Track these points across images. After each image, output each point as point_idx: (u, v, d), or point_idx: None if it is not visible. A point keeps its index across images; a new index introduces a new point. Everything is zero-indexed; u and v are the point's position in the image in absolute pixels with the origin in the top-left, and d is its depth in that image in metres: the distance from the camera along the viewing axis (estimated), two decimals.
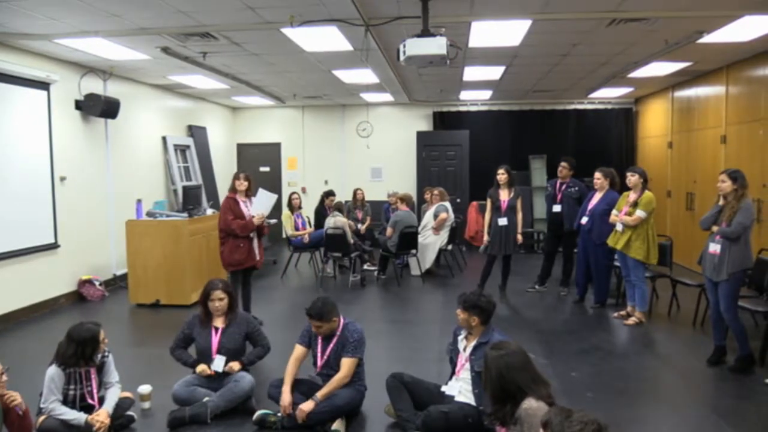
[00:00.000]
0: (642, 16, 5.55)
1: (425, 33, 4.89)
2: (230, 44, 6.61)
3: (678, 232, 9.18)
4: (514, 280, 7.70)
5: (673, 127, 10.09)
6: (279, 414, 3.74)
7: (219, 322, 4.23)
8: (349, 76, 8.84)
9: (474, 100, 11.99)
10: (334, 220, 8.40)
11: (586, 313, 6.68)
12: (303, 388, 3.86)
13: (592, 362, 4.99)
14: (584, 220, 6.61)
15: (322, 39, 6.36)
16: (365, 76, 8.78)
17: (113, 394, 3.73)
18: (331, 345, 3.90)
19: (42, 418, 3.46)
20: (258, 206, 5.98)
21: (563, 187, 7.28)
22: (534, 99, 11.64)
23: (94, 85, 7.84)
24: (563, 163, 7.34)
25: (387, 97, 11.34)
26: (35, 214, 6.80)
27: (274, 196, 6.12)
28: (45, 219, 6.96)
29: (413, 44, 4.83)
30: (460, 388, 3.58)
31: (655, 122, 11.07)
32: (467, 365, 3.56)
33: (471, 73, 8.65)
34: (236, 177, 6.06)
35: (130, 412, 3.85)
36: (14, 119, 6.46)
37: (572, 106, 12.07)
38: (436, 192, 9.17)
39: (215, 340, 4.16)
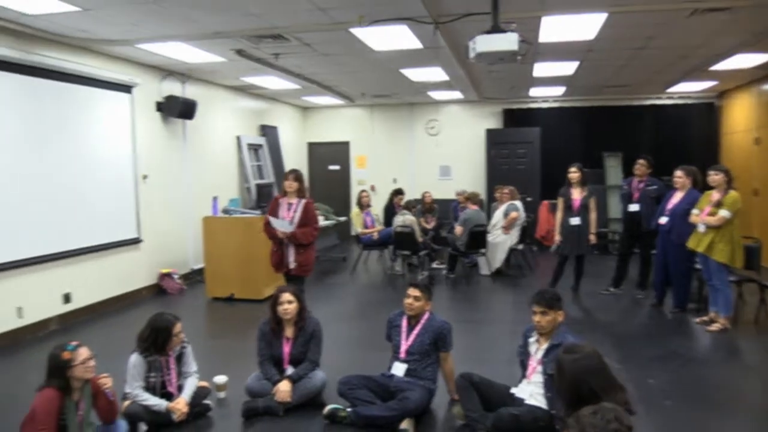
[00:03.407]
0: (725, 6, 5.25)
1: (495, 29, 4.80)
2: (301, 45, 6.74)
3: (767, 233, 8.64)
4: (588, 281, 7.47)
5: (760, 121, 9.50)
6: (349, 409, 3.79)
7: (289, 332, 4.21)
8: (417, 74, 8.84)
9: (545, 96, 11.71)
10: (403, 218, 8.42)
11: (665, 317, 6.39)
12: (372, 385, 3.90)
13: (671, 369, 4.77)
14: (663, 220, 6.32)
15: (391, 38, 6.39)
16: (434, 74, 8.74)
17: (191, 384, 3.90)
18: (416, 331, 3.98)
19: (126, 403, 3.66)
20: (274, 224, 5.54)
21: (641, 185, 6.99)
22: (608, 95, 11.25)
23: (172, 88, 8.20)
24: (641, 161, 7.05)
25: (456, 94, 11.26)
26: (120, 210, 7.20)
27: (286, 223, 5.53)
28: (129, 215, 7.36)
29: (483, 41, 4.76)
30: (531, 391, 3.51)
31: (740, 117, 10.46)
32: (539, 368, 3.48)
33: (542, 69, 8.46)
34: (285, 177, 5.73)
35: (206, 401, 4.01)
36: (101, 121, 6.87)
37: (649, 101, 11.58)
38: (506, 190, 9.02)
39: (286, 350, 4.18)
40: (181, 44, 6.56)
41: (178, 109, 7.99)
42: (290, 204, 5.60)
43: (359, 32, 6.06)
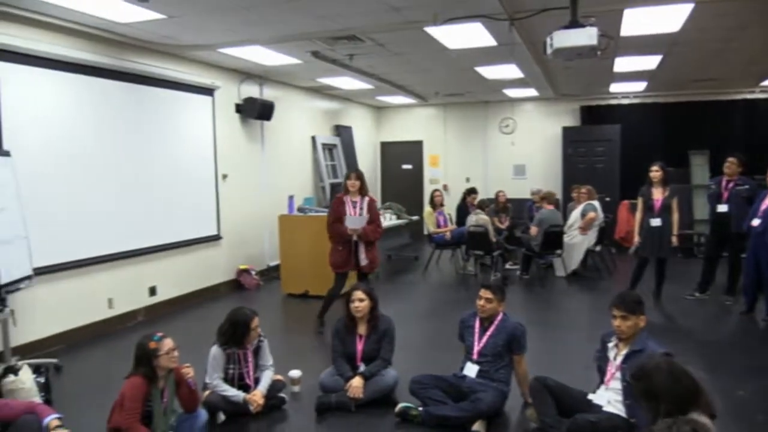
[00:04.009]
0: None
1: (574, 24, 4.66)
2: (375, 45, 6.80)
3: None
4: (670, 286, 7.11)
5: None
6: (420, 408, 3.79)
7: (362, 329, 4.25)
8: (492, 72, 8.72)
9: (626, 92, 11.26)
10: (476, 218, 8.33)
11: (756, 326, 6.01)
12: (444, 385, 3.88)
13: (764, 381, 4.48)
14: (756, 221, 5.94)
15: (465, 35, 6.33)
16: (509, 71, 8.60)
17: (267, 377, 4.02)
18: (489, 332, 3.94)
19: (207, 392, 3.83)
20: (349, 223, 5.69)
21: (731, 185, 6.60)
22: (694, 89, 10.66)
23: (251, 90, 8.48)
24: (731, 159, 6.65)
25: (531, 92, 11.02)
26: (201, 208, 7.52)
27: (364, 219, 5.73)
28: (209, 213, 7.67)
29: (561, 36, 4.63)
30: (609, 398, 3.39)
31: None
32: (618, 374, 3.35)
33: (623, 63, 8.14)
34: (347, 176, 5.88)
35: (281, 394, 4.12)
36: (185, 123, 7.20)
37: (740, 96, 10.89)
38: (583, 190, 8.76)
39: (359, 347, 4.22)
40: (260, 48, 6.77)
41: (256, 111, 8.26)
42: (354, 202, 5.75)
43: (433, 31, 6.04)
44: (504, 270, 8.66)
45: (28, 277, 4.78)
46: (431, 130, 13.13)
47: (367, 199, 5.83)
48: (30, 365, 4.16)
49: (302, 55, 7.20)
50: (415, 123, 13.26)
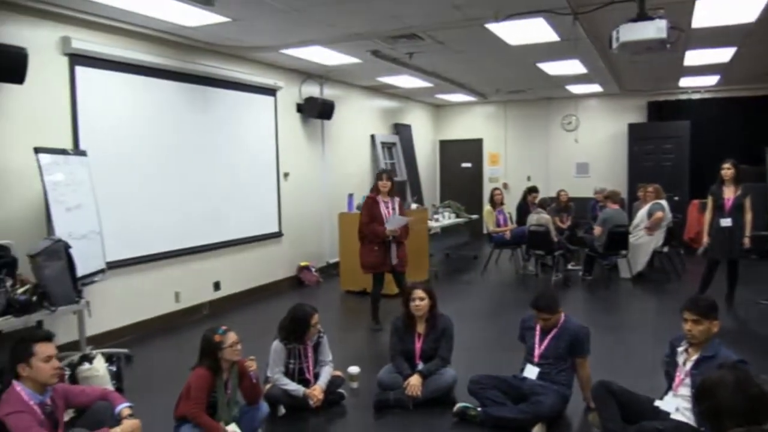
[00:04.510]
0: None
1: (642, 16, 4.50)
2: (435, 43, 6.77)
3: None
4: (743, 290, 6.76)
5: None
6: (479, 408, 3.76)
7: (421, 328, 4.23)
8: (554, 68, 8.53)
9: (696, 87, 10.77)
10: (537, 217, 8.18)
11: None
12: (503, 386, 3.83)
13: None
14: None
15: (527, 31, 6.22)
16: (572, 66, 8.39)
17: (326, 372, 4.08)
18: (551, 334, 3.86)
19: (268, 386, 3.92)
20: (391, 224, 5.77)
21: None
22: None
23: (312, 90, 8.61)
24: None
25: (595, 87, 10.71)
26: (264, 206, 7.70)
27: (406, 219, 5.92)
28: (271, 211, 7.85)
29: (628, 30, 4.48)
30: (678, 405, 3.25)
31: None
32: (687, 381, 3.21)
33: (694, 56, 7.80)
34: (379, 177, 5.94)
35: (340, 390, 4.17)
36: (249, 123, 7.39)
37: None
38: (650, 189, 8.45)
39: (418, 346, 4.21)
40: (321, 48, 6.86)
41: (317, 110, 8.39)
42: (386, 202, 5.83)
43: (494, 27, 5.97)
44: (565, 271, 8.46)
45: (102, 271, 5.03)
46: (491, 128, 12.98)
47: (397, 199, 5.96)
48: (103, 354, 4.37)
49: (362, 54, 7.26)
50: (474, 121, 13.14)
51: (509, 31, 6.18)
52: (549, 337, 3.88)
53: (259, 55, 7.23)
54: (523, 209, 9.23)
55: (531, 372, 3.87)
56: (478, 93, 11.18)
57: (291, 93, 8.23)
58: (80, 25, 5.26)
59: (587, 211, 9.70)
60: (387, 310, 6.04)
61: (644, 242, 8.10)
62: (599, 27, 5.88)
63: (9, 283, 3.81)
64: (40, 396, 2.74)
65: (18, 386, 2.70)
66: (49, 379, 2.77)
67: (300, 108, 8.41)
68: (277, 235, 7.95)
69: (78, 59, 5.25)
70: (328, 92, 8.96)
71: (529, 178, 12.11)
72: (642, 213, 8.28)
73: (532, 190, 9.49)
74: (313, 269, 8.42)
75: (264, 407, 3.64)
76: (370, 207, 5.85)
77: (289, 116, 8.22)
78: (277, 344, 3.99)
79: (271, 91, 7.74)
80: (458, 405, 3.85)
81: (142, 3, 5.00)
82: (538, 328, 3.95)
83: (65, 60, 5.18)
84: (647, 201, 8.38)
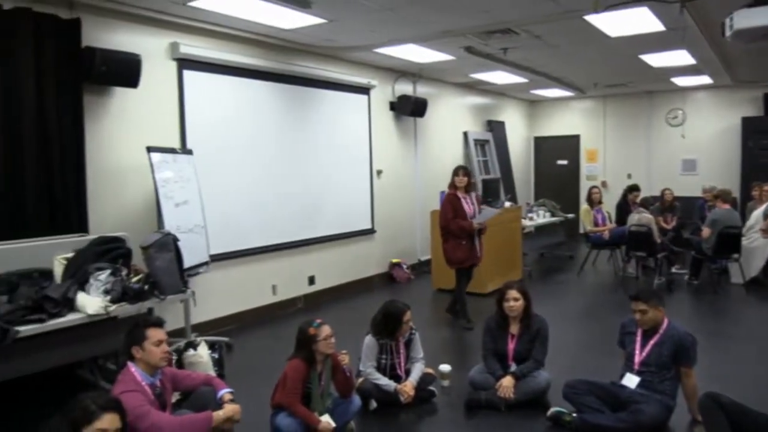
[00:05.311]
0: None
1: (759, 1, 4.18)
2: (530, 38, 6.61)
3: None
4: None
5: None
6: (574, 414, 3.63)
7: (515, 329, 4.15)
8: (658, 59, 8.08)
9: None
10: (639, 217, 7.78)
11: None
12: (600, 393, 3.68)
13: None
14: None
15: (629, 22, 5.94)
16: (678, 57, 7.92)
17: (418, 369, 4.09)
18: (653, 341, 3.66)
19: (360, 380, 3.98)
20: (481, 217, 5.92)
21: None
22: None
23: (405, 88, 8.66)
24: None
25: (704, 79, 10.04)
26: (357, 203, 7.85)
27: (497, 211, 6.13)
28: (364, 208, 7.99)
29: (743, 16, 4.19)
30: None
31: None
32: None
33: None
34: (455, 173, 5.97)
35: (431, 387, 4.16)
36: (343, 122, 7.56)
37: None
38: (766, 188, 7.82)
39: (511, 347, 4.12)
40: (414, 46, 6.89)
41: (409, 108, 8.43)
42: (464, 198, 5.91)
43: (593, 19, 5.74)
44: (669, 274, 8.01)
45: (206, 263, 5.32)
46: (589, 124, 12.51)
47: (473, 194, 6.10)
48: (206, 342, 4.62)
49: (455, 51, 7.21)
50: (571, 116, 12.72)
51: (609, 22, 5.92)
52: (651, 343, 3.67)
53: (353, 55, 7.36)
54: (624, 208, 8.81)
55: (631, 380, 3.69)
56: (576, 88, 10.79)
57: (384, 91, 8.32)
58: (187, 31, 5.59)
59: (694, 211, 9.11)
60: (477, 309, 5.98)
61: (759, 245, 7.49)
62: (710, 14, 5.51)
63: (124, 272, 4.10)
64: (151, 377, 2.94)
65: (132, 367, 2.91)
66: (159, 362, 2.96)
67: (393, 106, 8.49)
68: (370, 231, 8.07)
69: (185, 63, 5.58)
70: (421, 90, 8.98)
71: (629, 176, 11.55)
72: (757, 214, 7.67)
73: (633, 188, 9.03)
74: (405, 266, 8.47)
75: (357, 400, 3.70)
76: (453, 203, 5.92)
77: (382, 114, 8.32)
78: (369, 339, 4.05)
79: (364, 90, 7.86)
80: (552, 409, 3.74)
81: (244, 8, 5.23)
82: (639, 333, 3.75)
83: (174, 64, 5.53)
84: (763, 201, 7.77)
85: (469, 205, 5.94)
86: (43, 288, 3.73)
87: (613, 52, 7.49)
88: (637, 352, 3.71)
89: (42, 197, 4.46)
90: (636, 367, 3.69)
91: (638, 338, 3.73)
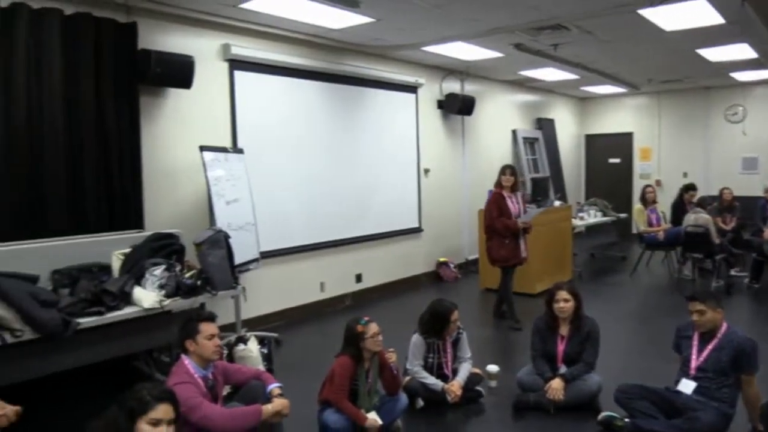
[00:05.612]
0: None
1: None
2: (582, 33, 6.47)
3: None
4: None
5: None
6: (626, 419, 3.53)
7: (564, 330, 4.07)
8: (717, 53, 7.79)
9: None
10: (695, 217, 7.51)
11: None
12: (654, 398, 3.57)
13: None
14: None
15: (686, 15, 5.75)
16: (739, 51, 7.62)
17: (465, 369, 4.06)
18: (711, 346, 3.50)
19: (407, 378, 3.98)
20: (528, 216, 5.91)
21: None
22: None
23: (452, 86, 8.61)
24: None
25: (766, 74, 9.61)
26: (404, 202, 7.85)
27: (540, 210, 6.12)
28: (412, 207, 7.98)
29: None
30: None
31: None
32: None
33: None
34: (502, 172, 5.96)
35: (478, 388, 4.13)
36: (391, 121, 7.57)
37: None
38: None
39: (560, 348, 4.05)
40: (461, 43, 6.84)
41: (457, 106, 8.38)
42: (510, 197, 5.92)
43: (648, 13, 5.58)
44: (728, 277, 7.70)
45: (256, 260, 5.42)
46: (642, 121, 12.15)
47: (519, 193, 6.07)
48: (256, 337, 4.71)
49: (504, 48, 7.12)
50: (624, 113, 12.38)
51: (665, 15, 5.74)
52: (709, 348, 3.52)
53: (400, 53, 7.36)
54: (680, 208, 8.52)
55: (686, 386, 3.55)
56: (629, 84, 10.50)
57: (432, 90, 8.29)
58: (238, 32, 5.70)
59: (755, 211, 8.71)
60: (525, 309, 5.89)
61: None
62: None
63: (178, 268, 4.22)
64: (204, 370, 3.01)
65: (185, 360, 2.98)
66: (212, 355, 3.03)
67: (441, 104, 8.45)
68: (417, 230, 8.06)
69: (236, 64, 5.70)
70: (469, 88, 8.91)
71: (685, 175, 11.15)
72: None
73: (690, 187, 8.72)
74: (452, 265, 8.43)
75: (403, 399, 3.70)
76: (498, 201, 5.92)
77: (429, 113, 8.29)
78: (416, 338, 4.05)
79: (412, 89, 7.85)
80: (603, 414, 3.66)
81: (293, 9, 5.30)
82: (696, 337, 3.60)
83: (225, 65, 5.65)
84: None
85: (514, 204, 5.93)
86: (102, 282, 3.89)
87: (669, 46, 7.26)
88: (694, 356, 3.57)
89: (101, 195, 4.64)
90: (692, 372, 3.55)
91: (695, 342, 3.59)
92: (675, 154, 11.71)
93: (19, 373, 3.43)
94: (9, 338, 3.24)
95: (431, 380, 3.94)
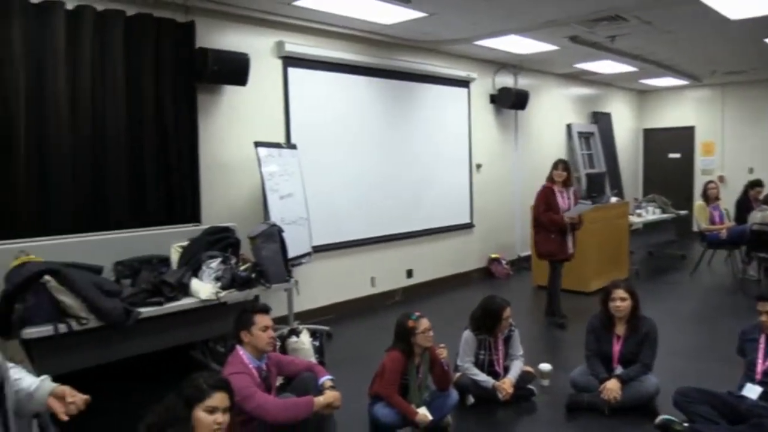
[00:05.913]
0: None
1: None
2: (641, 24, 6.26)
3: None
4: None
5: None
6: (686, 424, 3.42)
7: (620, 330, 3.96)
8: None
9: None
10: (762, 215, 7.17)
11: None
12: (716, 403, 3.43)
13: None
14: None
15: (753, 2, 5.49)
16: None
17: (517, 367, 4.02)
18: None
19: (458, 374, 3.96)
20: (574, 211, 5.75)
21: None
22: None
23: (505, 80, 8.50)
24: None
25: None
26: (456, 198, 7.82)
27: (589, 206, 5.93)
28: (463, 202, 7.94)
29: None
30: None
31: None
32: None
33: None
34: (555, 167, 5.86)
35: (530, 386, 4.08)
36: (443, 115, 7.55)
37: None
38: None
39: (616, 349, 3.94)
40: (515, 37, 6.74)
41: (510, 101, 8.26)
42: (561, 192, 5.82)
43: (711, 1, 5.35)
44: None
45: (309, 254, 5.50)
46: (705, 114, 11.68)
47: (572, 189, 5.96)
48: (308, 329, 4.78)
49: (559, 40, 6.97)
50: (685, 107, 11.93)
51: (730, 3, 5.50)
52: None
53: (453, 48, 7.31)
54: (744, 205, 8.15)
55: (752, 391, 3.41)
56: (690, 76, 10.10)
57: (484, 84, 8.20)
58: (291, 30, 5.79)
59: None
60: (579, 308, 5.76)
61: None
62: None
63: (233, 260, 4.32)
64: (258, 361, 3.08)
65: (240, 350, 3.06)
66: (265, 346, 3.09)
67: (493, 99, 8.35)
68: (469, 226, 8.00)
69: (290, 61, 5.79)
70: (522, 82, 8.77)
71: (751, 171, 10.66)
72: None
73: (756, 183, 8.33)
74: (504, 262, 8.33)
75: (454, 395, 3.69)
76: (547, 196, 5.83)
77: (482, 107, 8.20)
78: (468, 334, 4.02)
79: (464, 83, 7.79)
80: (661, 417, 3.54)
81: (345, 5, 5.34)
82: (762, 340, 3.46)
83: (279, 62, 5.75)
84: None
85: (564, 199, 5.82)
86: (161, 273, 4.03)
87: (734, 36, 6.95)
88: (760, 360, 3.43)
89: (160, 189, 4.81)
90: (758, 377, 3.42)
91: (762, 345, 3.45)
92: (740, 149, 11.20)
93: (84, 360, 3.60)
94: (75, 325, 3.39)
95: (482, 377, 3.92)
